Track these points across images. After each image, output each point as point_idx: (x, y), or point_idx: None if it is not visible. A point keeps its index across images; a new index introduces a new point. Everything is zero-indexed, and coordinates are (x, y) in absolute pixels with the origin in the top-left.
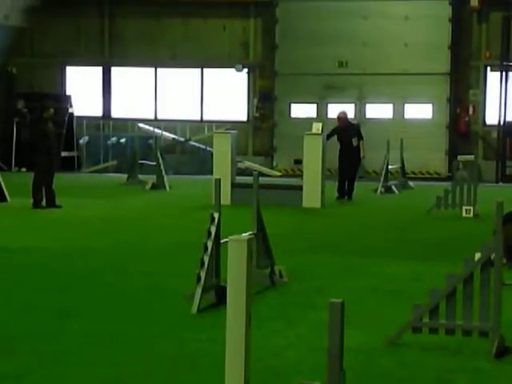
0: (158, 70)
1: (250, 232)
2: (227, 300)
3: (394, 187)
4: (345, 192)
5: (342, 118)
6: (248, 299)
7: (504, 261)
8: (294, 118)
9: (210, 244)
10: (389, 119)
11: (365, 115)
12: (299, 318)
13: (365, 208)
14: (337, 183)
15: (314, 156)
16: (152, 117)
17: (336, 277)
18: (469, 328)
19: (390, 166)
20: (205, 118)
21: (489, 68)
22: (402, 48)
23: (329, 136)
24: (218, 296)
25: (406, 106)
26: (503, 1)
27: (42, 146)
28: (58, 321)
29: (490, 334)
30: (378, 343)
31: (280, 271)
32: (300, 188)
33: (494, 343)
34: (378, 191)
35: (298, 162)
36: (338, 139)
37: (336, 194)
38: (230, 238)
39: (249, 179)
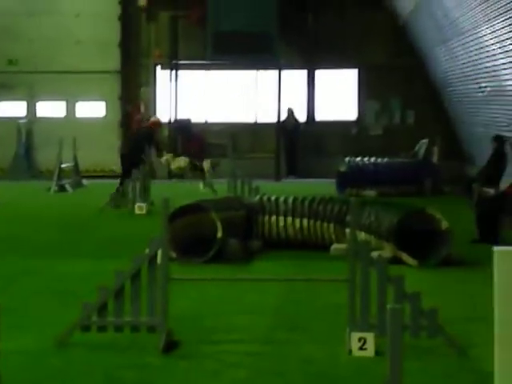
0: None
1: None
2: None
3: (67, 186)
4: None
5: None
6: None
7: (173, 255)
8: None
9: None
10: (62, 118)
11: (36, 114)
12: None
13: (37, 208)
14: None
15: None
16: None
17: (7, 278)
18: (137, 324)
19: (63, 165)
20: None
21: (159, 66)
22: (73, 45)
23: None
24: None
25: (79, 104)
26: (170, 1)
27: None
28: None
29: (158, 329)
30: (48, 344)
31: None
32: None
33: (162, 338)
34: (52, 190)
35: None
36: None
37: None
38: None
39: None
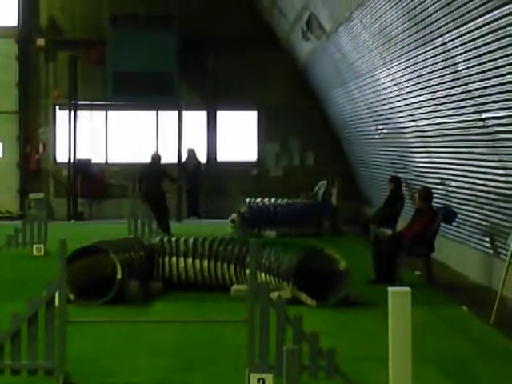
0: None
1: None
2: None
3: None
4: None
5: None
6: None
7: (72, 297)
8: None
9: None
10: None
11: None
12: None
13: None
14: None
15: None
16: None
17: None
18: (34, 367)
19: None
20: None
21: (57, 106)
22: None
23: None
24: None
25: None
26: (69, 41)
27: None
28: None
29: (55, 372)
30: None
31: None
32: None
33: (60, 381)
34: None
35: None
36: None
37: None
38: None
39: None
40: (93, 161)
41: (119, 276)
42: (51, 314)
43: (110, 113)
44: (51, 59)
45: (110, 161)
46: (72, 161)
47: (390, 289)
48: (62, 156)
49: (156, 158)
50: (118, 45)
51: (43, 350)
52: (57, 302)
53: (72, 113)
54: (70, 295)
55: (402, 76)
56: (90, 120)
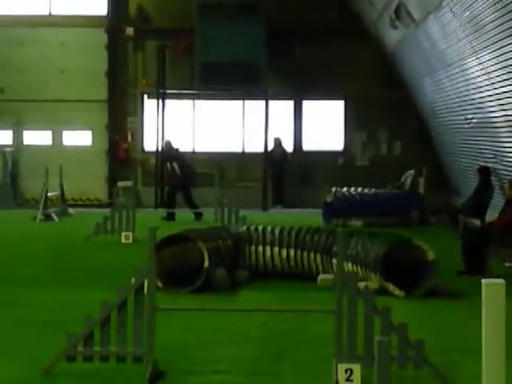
0: None
1: None
2: None
3: (53, 214)
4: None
5: None
6: None
7: (159, 285)
8: None
9: None
10: (48, 146)
11: (22, 142)
12: None
13: (22, 237)
14: None
15: None
16: None
17: None
18: (123, 354)
19: (49, 194)
20: None
21: (146, 95)
22: (59, 75)
23: None
24: None
25: (66, 132)
26: (157, 30)
27: None
28: None
29: (144, 359)
30: (33, 374)
31: None
32: None
33: (148, 368)
34: (38, 219)
35: None
36: None
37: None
38: None
39: None
40: (180, 149)
41: (206, 264)
42: (140, 302)
43: (196, 102)
44: (140, 48)
45: (196, 149)
46: (159, 149)
47: (483, 281)
48: (149, 145)
49: (167, 144)
50: (206, 34)
51: (132, 337)
52: (145, 290)
53: (160, 101)
54: (158, 283)
55: (492, 65)
56: (177, 108)
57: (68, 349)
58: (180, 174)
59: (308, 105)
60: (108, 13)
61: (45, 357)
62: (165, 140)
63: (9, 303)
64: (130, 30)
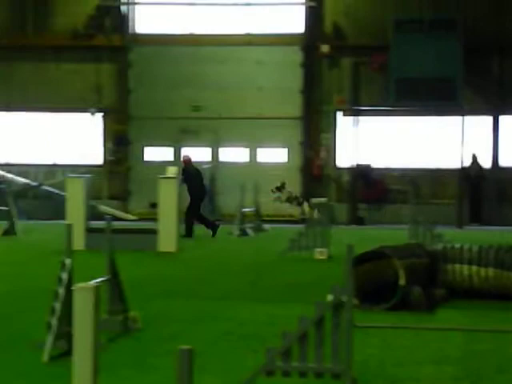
0: (10, 114)
1: (103, 278)
2: (74, 347)
3: (249, 230)
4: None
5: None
6: (95, 347)
7: (356, 302)
8: (149, 162)
9: (61, 291)
10: (244, 163)
11: (219, 159)
12: (152, 364)
13: (220, 251)
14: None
15: (169, 199)
16: (3, 161)
17: (191, 322)
18: (321, 370)
19: (245, 209)
20: (58, 162)
21: (340, 112)
22: (255, 92)
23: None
24: (71, 344)
25: (261, 149)
26: (352, 47)
27: None
28: None
29: (342, 376)
30: None
31: (134, 317)
32: (155, 232)
33: None
34: (234, 234)
35: (154, 205)
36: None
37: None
38: (76, 286)
39: (103, 224)
40: (372, 166)
41: (402, 282)
42: (338, 318)
43: (388, 118)
44: (334, 65)
45: (390, 166)
46: (353, 166)
47: None
48: (342, 161)
49: (186, 160)
50: (401, 50)
51: (330, 354)
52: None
53: (354, 118)
54: (354, 300)
55: None
56: (370, 125)
57: (267, 363)
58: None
59: (505, 120)
60: (304, 30)
61: (244, 370)
62: (183, 156)
63: (213, 317)
64: (325, 48)
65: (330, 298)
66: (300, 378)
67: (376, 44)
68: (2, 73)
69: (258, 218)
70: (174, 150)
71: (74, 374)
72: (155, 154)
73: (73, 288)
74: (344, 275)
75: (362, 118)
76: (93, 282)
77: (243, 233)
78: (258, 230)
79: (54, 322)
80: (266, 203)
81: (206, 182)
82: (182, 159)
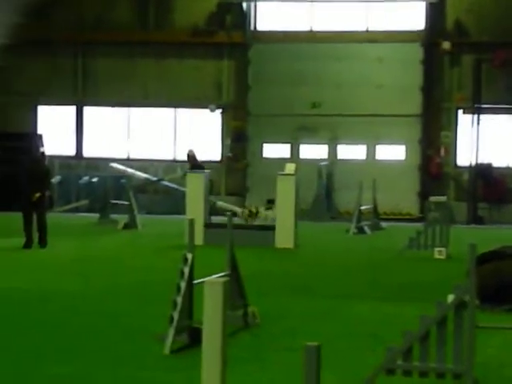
0: (131, 109)
1: (223, 272)
2: (203, 342)
3: (366, 228)
4: None
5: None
6: (224, 341)
7: (477, 303)
8: (267, 158)
9: (183, 285)
10: (362, 160)
11: (336, 156)
12: (272, 360)
13: (337, 249)
14: None
15: (287, 196)
16: (125, 156)
17: (308, 319)
18: (442, 370)
19: (362, 207)
20: (178, 157)
21: (460, 110)
22: (374, 90)
23: None
24: (191, 337)
25: (379, 147)
26: (474, 43)
27: (45, 185)
28: (29, 362)
29: (464, 377)
30: None
31: (253, 312)
32: (273, 228)
33: None
34: (351, 232)
35: (271, 202)
36: None
37: None
38: (206, 280)
39: (222, 219)
40: (493, 165)
41: None
42: (460, 318)
43: (511, 116)
44: (455, 62)
45: (511, 165)
46: (473, 164)
47: None
48: (462, 160)
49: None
50: None
51: (451, 354)
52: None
53: (475, 116)
54: (476, 300)
55: None
56: (491, 123)
57: (388, 362)
58: None
59: None
60: (426, 27)
61: (363, 369)
62: (188, 149)
63: (330, 314)
64: (446, 44)
65: (450, 297)
66: (420, 378)
67: (499, 41)
68: (123, 69)
69: (375, 215)
70: (291, 147)
71: (204, 367)
72: (272, 150)
73: (198, 281)
74: (466, 275)
75: (483, 116)
76: (216, 277)
77: (360, 230)
78: (375, 227)
79: (176, 315)
80: (384, 201)
81: (323, 179)
82: (187, 154)
